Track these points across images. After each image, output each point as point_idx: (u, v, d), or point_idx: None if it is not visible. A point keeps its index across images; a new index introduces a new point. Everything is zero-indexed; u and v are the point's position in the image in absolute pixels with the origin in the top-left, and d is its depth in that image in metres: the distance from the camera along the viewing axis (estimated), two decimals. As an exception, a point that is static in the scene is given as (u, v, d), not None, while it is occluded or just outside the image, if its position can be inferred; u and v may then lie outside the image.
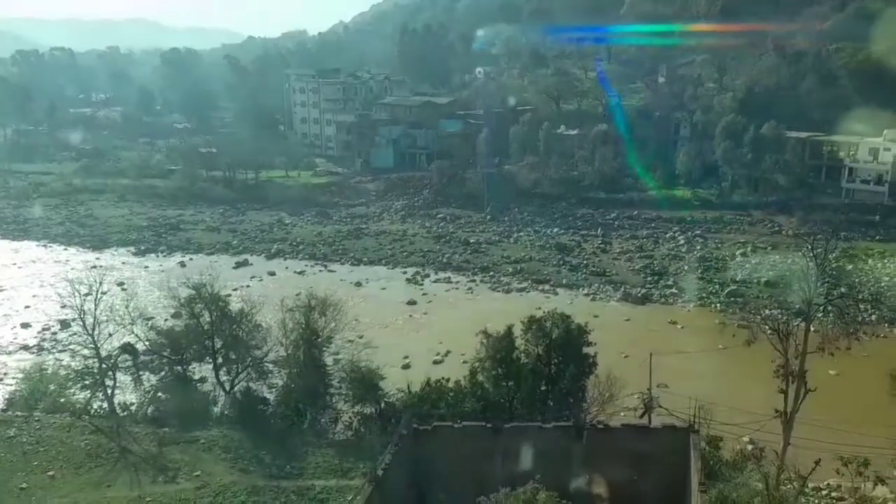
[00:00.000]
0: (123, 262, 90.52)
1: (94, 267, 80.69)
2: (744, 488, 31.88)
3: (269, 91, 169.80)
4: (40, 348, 63.38)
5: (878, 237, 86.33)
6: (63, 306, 54.44)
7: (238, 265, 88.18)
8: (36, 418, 41.20)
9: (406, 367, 54.43)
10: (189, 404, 41.82)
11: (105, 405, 41.93)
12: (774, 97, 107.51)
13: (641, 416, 37.24)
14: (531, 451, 33.00)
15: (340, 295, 47.64)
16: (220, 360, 44.51)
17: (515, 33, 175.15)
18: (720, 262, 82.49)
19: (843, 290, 69.06)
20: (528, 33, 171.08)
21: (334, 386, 43.05)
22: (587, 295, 76.71)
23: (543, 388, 40.24)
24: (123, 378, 43.68)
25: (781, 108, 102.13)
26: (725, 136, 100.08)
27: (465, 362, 45.93)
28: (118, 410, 41.99)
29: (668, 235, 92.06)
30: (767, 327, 35.22)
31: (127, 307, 43.22)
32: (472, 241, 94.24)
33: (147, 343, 43.60)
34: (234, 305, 45.61)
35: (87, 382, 42.36)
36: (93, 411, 42.10)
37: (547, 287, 79.32)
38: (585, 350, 40.31)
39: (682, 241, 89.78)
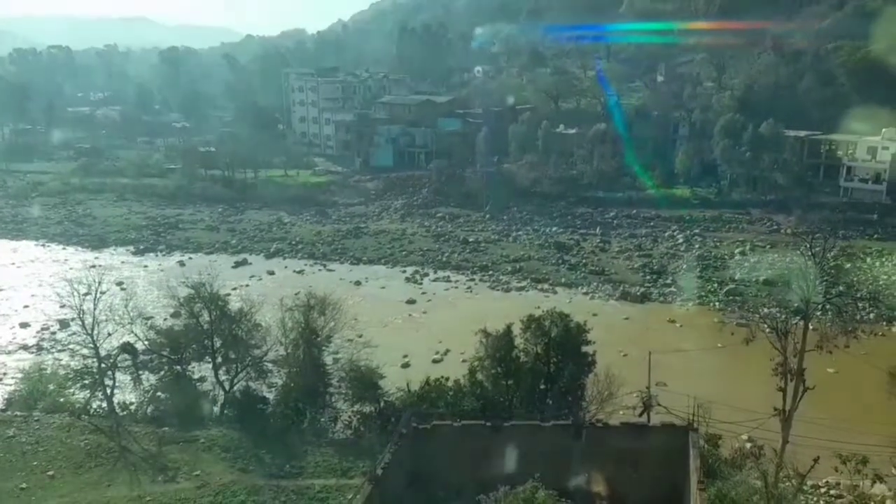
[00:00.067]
0: (122, 262, 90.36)
1: (93, 266, 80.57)
2: (742, 486, 31.94)
3: (267, 90, 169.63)
4: (39, 348, 63.17)
5: (876, 236, 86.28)
6: (62, 306, 54.73)
7: (237, 264, 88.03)
8: (35, 418, 41.18)
9: (405, 366, 54.31)
10: (188, 404, 41.91)
11: (104, 405, 41.86)
12: (773, 96, 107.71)
13: (640, 415, 37.23)
14: (530, 449, 33.03)
15: (340, 294, 47.67)
16: (219, 359, 44.45)
17: (514, 32, 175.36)
18: (719, 260, 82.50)
19: (841, 288, 69.17)
20: (527, 32, 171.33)
21: (334, 385, 43.10)
22: (586, 294, 76.73)
23: (542, 386, 40.38)
24: (123, 377, 43.58)
25: (780, 106, 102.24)
26: (724, 134, 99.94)
27: (464, 361, 45.97)
28: (118, 410, 41.94)
29: (666, 234, 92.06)
30: (766, 326, 35.27)
31: (126, 306, 43.00)
32: (471, 239, 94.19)
33: (146, 342, 43.46)
34: (234, 305, 45.56)
35: (86, 382, 42.28)
36: (92, 411, 42.06)
37: (546, 286, 79.31)
38: (584, 349, 40.37)
39: (680, 240, 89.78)
